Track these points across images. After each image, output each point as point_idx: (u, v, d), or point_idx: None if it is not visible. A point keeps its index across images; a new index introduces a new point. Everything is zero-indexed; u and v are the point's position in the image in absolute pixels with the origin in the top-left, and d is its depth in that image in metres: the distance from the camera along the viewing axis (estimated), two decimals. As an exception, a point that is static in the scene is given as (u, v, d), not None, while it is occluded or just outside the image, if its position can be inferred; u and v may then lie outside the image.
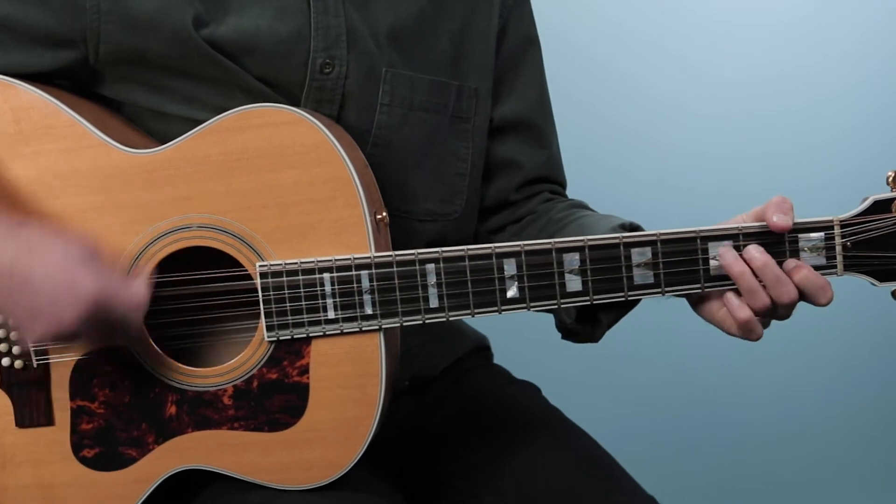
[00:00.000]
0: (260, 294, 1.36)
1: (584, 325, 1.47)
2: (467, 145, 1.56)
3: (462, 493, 1.51)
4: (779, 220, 1.32)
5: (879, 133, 2.85)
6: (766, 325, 1.37)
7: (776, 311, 1.35)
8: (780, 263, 1.33)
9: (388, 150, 1.49)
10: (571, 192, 1.70)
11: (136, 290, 1.31)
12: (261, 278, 1.36)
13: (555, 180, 1.67)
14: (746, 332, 1.36)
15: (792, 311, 1.36)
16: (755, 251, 1.33)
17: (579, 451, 1.53)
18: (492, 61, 1.58)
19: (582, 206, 1.61)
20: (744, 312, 1.34)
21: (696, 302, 1.40)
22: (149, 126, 1.46)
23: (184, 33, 1.40)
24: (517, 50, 1.62)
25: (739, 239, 1.34)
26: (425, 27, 1.52)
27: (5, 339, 1.41)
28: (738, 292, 1.35)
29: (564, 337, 1.52)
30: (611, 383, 2.94)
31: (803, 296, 1.34)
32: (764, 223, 1.33)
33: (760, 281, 1.33)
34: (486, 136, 1.59)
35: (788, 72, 2.88)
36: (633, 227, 1.41)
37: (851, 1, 2.90)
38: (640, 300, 1.42)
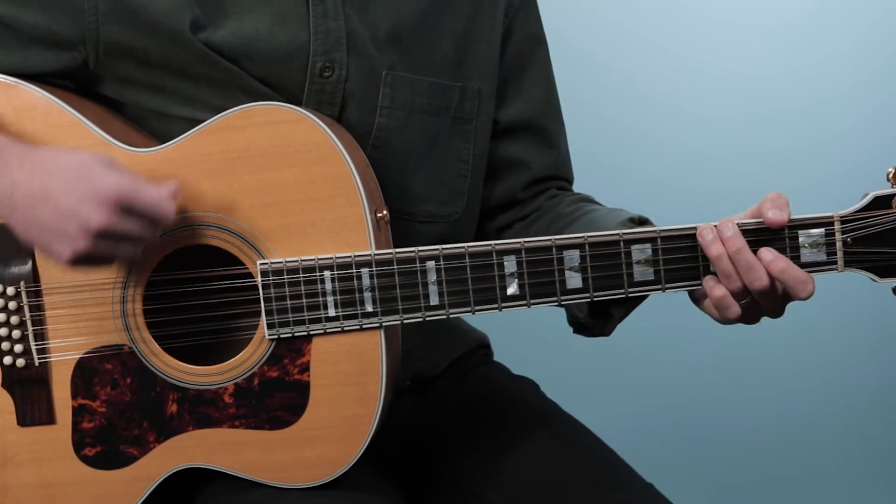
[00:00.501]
0: (261, 292, 1.36)
1: (595, 320, 1.47)
2: (469, 146, 1.56)
3: (462, 491, 1.51)
4: (774, 216, 1.31)
5: (879, 133, 2.84)
6: (755, 319, 1.37)
7: (757, 301, 1.35)
8: (755, 252, 1.33)
9: (388, 151, 1.49)
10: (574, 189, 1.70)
11: (161, 189, 1.31)
12: (261, 276, 1.36)
13: (562, 177, 1.67)
14: (722, 311, 1.35)
15: (781, 307, 1.36)
16: (729, 231, 1.32)
17: (578, 444, 1.53)
18: (495, 62, 1.58)
19: (588, 199, 1.61)
20: (718, 290, 1.34)
21: (696, 294, 1.40)
22: (151, 126, 1.46)
23: (181, 36, 1.40)
24: (524, 50, 1.61)
25: (739, 235, 1.34)
26: (427, 29, 1.52)
27: (7, 338, 1.41)
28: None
29: (576, 331, 1.52)
30: (609, 380, 2.94)
31: (784, 289, 1.34)
32: (761, 220, 1.33)
33: (734, 265, 1.33)
34: (488, 138, 1.59)
35: (788, 72, 2.88)
36: (642, 221, 1.41)
37: (851, 1, 2.90)
38: (649, 294, 1.42)
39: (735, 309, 1.35)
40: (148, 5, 1.40)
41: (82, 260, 1.30)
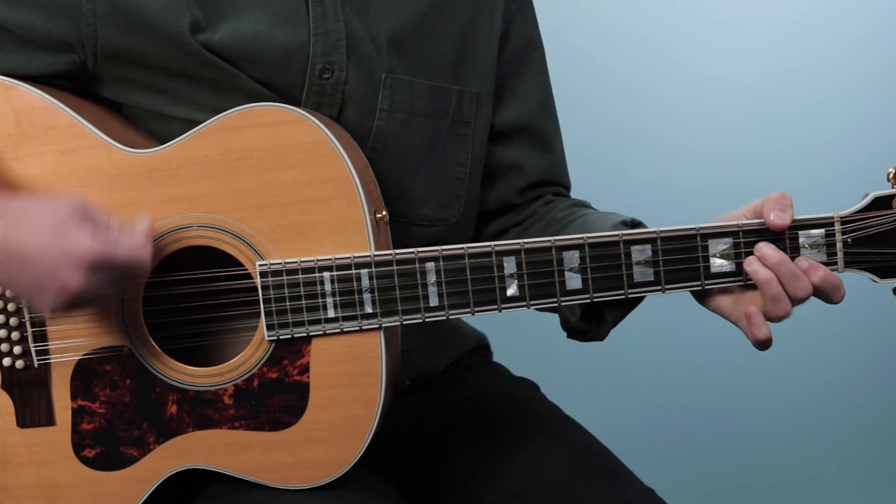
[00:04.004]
0: (260, 293, 1.36)
1: (589, 324, 1.47)
2: (467, 150, 1.56)
3: (461, 492, 1.51)
4: (776, 219, 1.32)
5: (879, 133, 2.84)
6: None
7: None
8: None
9: (386, 154, 1.49)
10: (572, 193, 1.70)
11: (136, 237, 1.30)
12: (261, 277, 1.36)
13: (558, 183, 1.66)
14: (763, 346, 1.35)
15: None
16: (768, 248, 1.33)
17: (578, 446, 1.53)
18: (493, 65, 1.57)
19: (584, 205, 1.61)
20: (763, 332, 1.34)
21: (702, 295, 1.40)
22: (150, 127, 1.46)
23: (181, 38, 1.40)
24: (520, 53, 1.61)
25: (740, 236, 1.34)
26: (426, 32, 1.51)
27: (6, 339, 1.41)
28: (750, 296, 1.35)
29: (570, 336, 1.52)
30: (609, 381, 2.94)
31: (819, 295, 1.34)
32: (762, 220, 1.33)
33: (780, 281, 1.33)
34: (486, 141, 1.59)
35: (788, 72, 2.88)
36: (635, 224, 1.41)
37: (851, 1, 2.90)
38: (644, 297, 1.41)
39: (765, 329, 1.34)
40: (146, 8, 1.39)
41: (63, 312, 1.31)
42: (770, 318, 1.34)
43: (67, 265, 1.26)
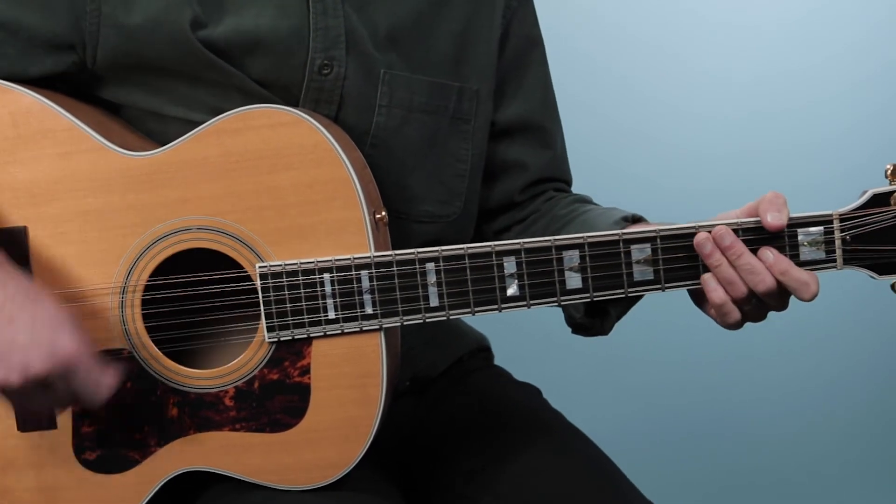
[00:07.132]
0: (260, 295, 1.36)
1: (593, 319, 1.47)
2: (467, 147, 1.56)
3: (461, 494, 1.51)
4: (773, 220, 1.31)
5: (878, 132, 2.85)
6: (762, 316, 1.37)
7: (762, 301, 1.35)
8: (754, 251, 1.33)
9: (386, 151, 1.49)
10: (573, 189, 1.70)
11: (108, 373, 1.32)
12: (261, 279, 1.36)
13: (560, 178, 1.67)
14: (721, 315, 1.35)
15: (786, 302, 1.36)
16: (727, 240, 1.32)
17: (580, 455, 1.53)
18: (494, 63, 1.58)
19: (586, 200, 1.61)
20: (719, 296, 1.33)
21: (697, 297, 1.40)
22: (148, 127, 1.46)
23: (182, 36, 1.40)
24: (521, 51, 1.61)
25: (739, 234, 1.33)
26: (424, 29, 1.52)
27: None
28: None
29: (575, 331, 1.52)
30: (612, 384, 2.94)
31: (788, 290, 1.33)
32: (759, 218, 1.33)
33: (736, 270, 1.32)
34: (486, 138, 1.59)
35: (788, 72, 2.88)
36: (636, 219, 1.41)
37: (851, 1, 2.90)
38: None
39: (735, 315, 1.34)
40: (149, 7, 1.40)
41: (9, 393, 1.31)
42: (732, 299, 1.34)
43: (44, 350, 1.27)
